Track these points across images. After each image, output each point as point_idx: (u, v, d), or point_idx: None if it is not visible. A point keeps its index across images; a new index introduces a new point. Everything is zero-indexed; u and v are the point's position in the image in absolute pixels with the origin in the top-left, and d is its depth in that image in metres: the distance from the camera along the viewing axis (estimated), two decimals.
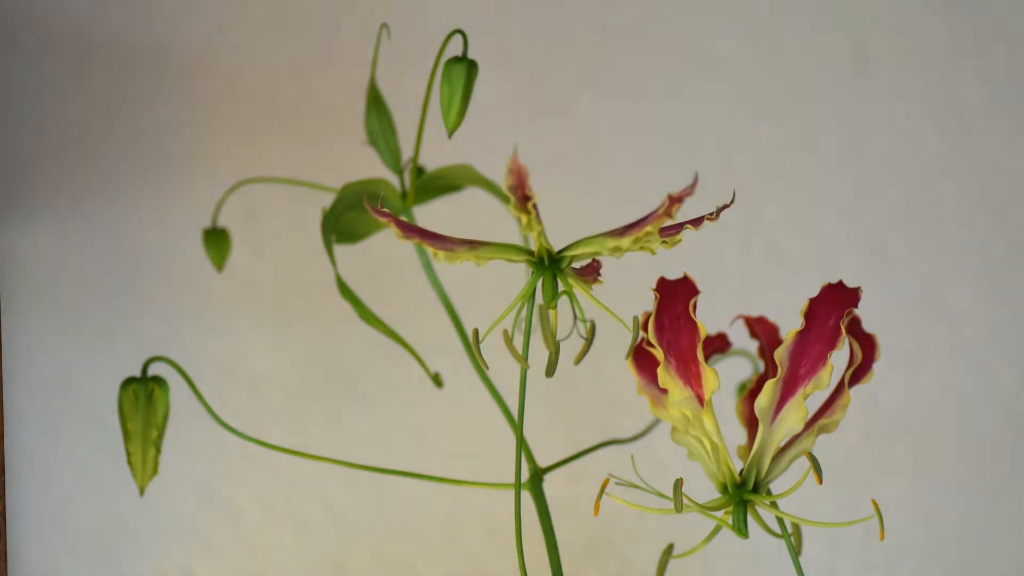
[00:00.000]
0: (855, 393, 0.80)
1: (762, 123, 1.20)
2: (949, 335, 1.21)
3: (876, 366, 0.80)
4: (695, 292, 0.77)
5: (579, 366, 0.81)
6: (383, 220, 0.77)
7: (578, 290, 0.78)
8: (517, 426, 0.80)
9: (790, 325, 0.78)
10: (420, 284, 1.01)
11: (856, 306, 0.77)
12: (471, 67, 0.83)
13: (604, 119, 1.19)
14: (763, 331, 0.86)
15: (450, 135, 0.83)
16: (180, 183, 1.14)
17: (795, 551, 0.80)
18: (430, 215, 1.01)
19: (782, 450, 0.79)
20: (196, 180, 1.14)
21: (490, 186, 0.98)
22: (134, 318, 1.14)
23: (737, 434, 0.85)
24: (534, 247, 0.78)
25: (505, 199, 0.90)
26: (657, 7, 1.19)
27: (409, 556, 1.16)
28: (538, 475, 0.88)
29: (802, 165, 1.20)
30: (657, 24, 1.19)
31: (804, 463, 0.78)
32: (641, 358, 0.81)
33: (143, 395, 0.89)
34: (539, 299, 0.79)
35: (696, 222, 0.75)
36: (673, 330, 0.77)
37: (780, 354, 0.77)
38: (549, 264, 0.78)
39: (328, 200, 0.95)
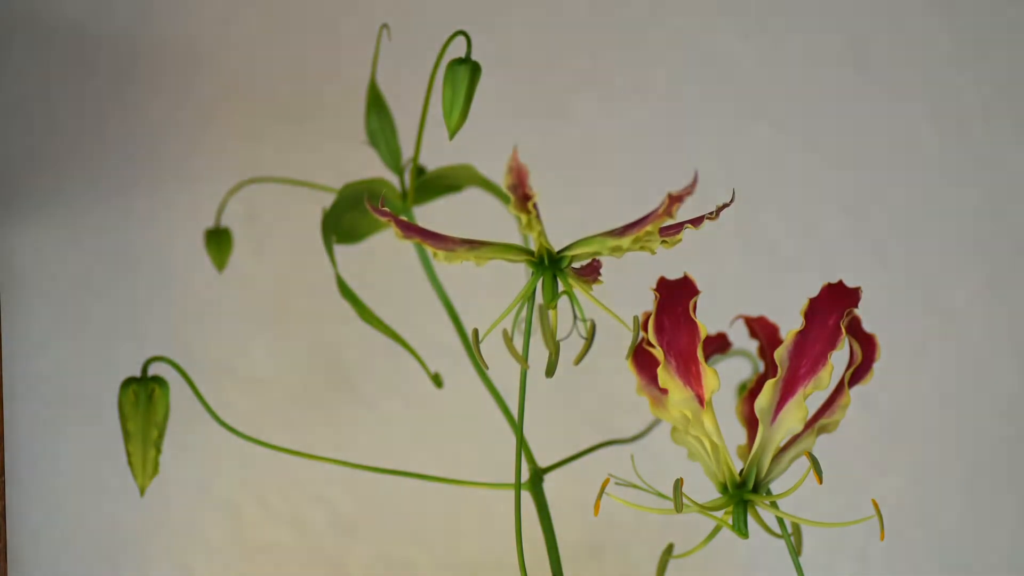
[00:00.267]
0: (855, 393, 0.80)
1: (762, 123, 1.20)
2: (949, 335, 1.20)
3: (876, 366, 0.80)
4: (695, 292, 0.77)
5: (579, 366, 0.81)
6: (383, 220, 0.77)
7: (578, 290, 0.78)
8: (517, 426, 0.80)
9: (790, 325, 0.78)
10: (420, 284, 1.01)
11: (856, 306, 0.76)
12: (474, 69, 0.83)
13: (604, 119, 1.19)
14: (763, 331, 0.86)
15: (451, 137, 0.83)
16: (180, 183, 1.14)
17: (795, 551, 0.80)
18: (430, 215, 1.01)
19: (782, 450, 0.79)
20: (196, 180, 1.14)
21: (490, 186, 0.98)
22: (134, 318, 1.14)
23: (737, 434, 0.85)
24: (534, 247, 0.78)
25: (505, 199, 0.90)
26: (657, 7, 1.19)
27: (409, 556, 1.16)
28: (538, 475, 0.88)
29: (802, 165, 1.20)
30: (657, 24, 1.19)
31: (804, 463, 0.78)
32: (641, 358, 0.81)
33: (143, 395, 0.89)
34: (539, 299, 0.79)
35: (696, 221, 0.75)
36: (673, 330, 0.77)
37: (780, 354, 0.77)
38: (549, 264, 0.78)
39: (328, 200, 0.95)
